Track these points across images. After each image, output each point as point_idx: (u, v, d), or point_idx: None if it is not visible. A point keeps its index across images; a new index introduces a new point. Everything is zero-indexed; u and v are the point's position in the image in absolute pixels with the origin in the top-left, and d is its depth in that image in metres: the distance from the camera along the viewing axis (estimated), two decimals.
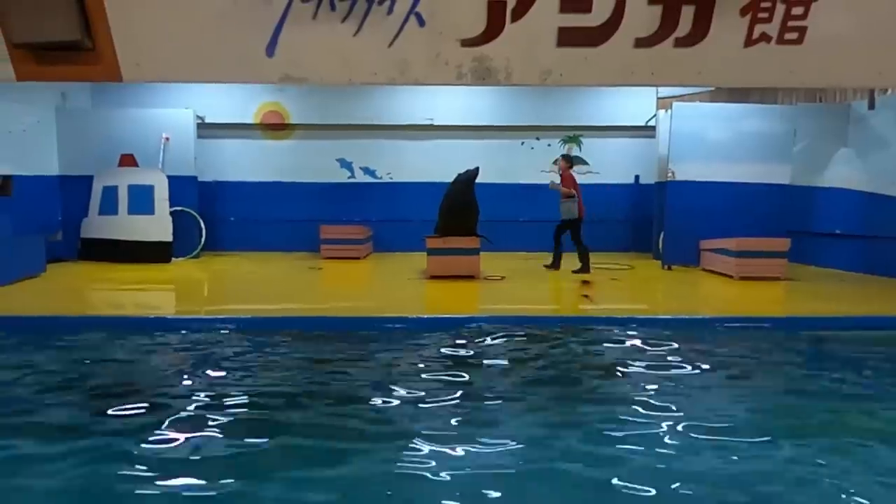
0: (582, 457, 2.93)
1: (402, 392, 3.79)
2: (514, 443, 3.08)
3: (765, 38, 4.45)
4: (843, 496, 2.58)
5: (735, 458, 2.94)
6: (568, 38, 4.43)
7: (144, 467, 2.78)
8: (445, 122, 11.32)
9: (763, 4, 4.40)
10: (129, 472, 2.73)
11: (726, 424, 3.34)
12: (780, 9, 4.39)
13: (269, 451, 2.97)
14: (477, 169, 8.44)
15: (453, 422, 3.33)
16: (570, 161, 8.99)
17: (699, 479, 2.72)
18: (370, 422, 3.34)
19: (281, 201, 11.31)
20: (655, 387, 3.95)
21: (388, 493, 2.62)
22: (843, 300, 6.88)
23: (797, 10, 4.39)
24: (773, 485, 2.68)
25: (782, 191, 9.04)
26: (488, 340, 5.01)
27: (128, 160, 9.91)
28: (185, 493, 2.58)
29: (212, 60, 4.56)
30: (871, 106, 8.62)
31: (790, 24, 4.42)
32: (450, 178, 8.73)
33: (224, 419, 3.33)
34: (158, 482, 2.65)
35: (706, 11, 4.40)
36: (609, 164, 11.56)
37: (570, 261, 8.61)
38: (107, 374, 4.24)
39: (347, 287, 8.21)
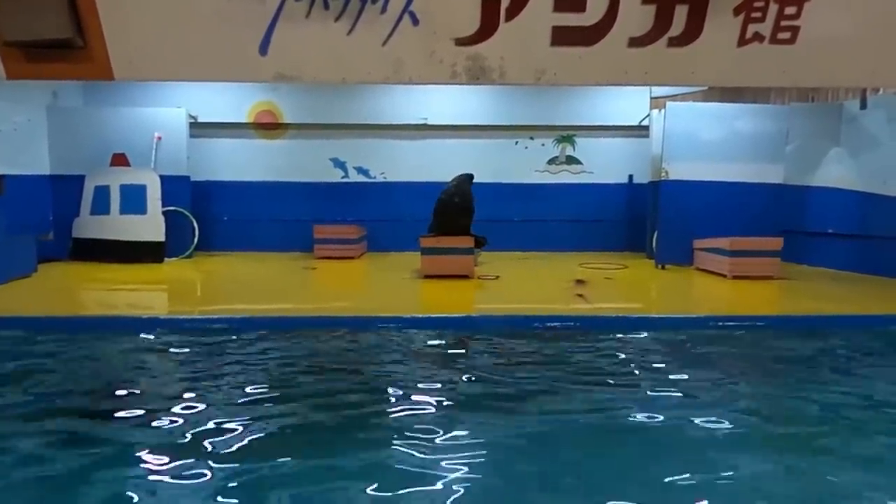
0: (577, 456, 2.93)
1: (398, 391, 3.78)
2: (508, 442, 3.08)
3: (758, 37, 4.47)
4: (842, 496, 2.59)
5: (730, 459, 2.94)
6: (562, 37, 4.44)
7: (136, 467, 2.76)
8: (439, 121, 11.28)
9: (756, 4, 4.41)
10: (119, 474, 2.71)
11: (722, 425, 3.35)
12: (773, 8, 4.41)
13: (264, 450, 2.95)
14: (471, 175, 8.67)
15: (448, 421, 3.32)
16: None
17: (699, 480, 2.72)
18: (366, 421, 3.33)
19: (274, 201, 11.25)
20: (649, 386, 3.96)
21: (383, 493, 2.61)
22: (837, 299, 6.91)
23: (790, 10, 4.41)
24: (767, 489, 2.69)
25: (775, 190, 9.06)
26: (482, 339, 5.00)
27: (120, 159, 9.84)
28: (180, 494, 2.57)
29: (204, 59, 4.54)
30: (863, 105, 8.66)
31: (783, 23, 4.44)
32: (444, 178, 8.79)
33: (217, 419, 3.31)
34: (151, 483, 2.63)
35: (699, 11, 4.41)
36: (602, 164, 11.55)
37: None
38: (99, 374, 4.21)
39: (342, 287, 8.19)
